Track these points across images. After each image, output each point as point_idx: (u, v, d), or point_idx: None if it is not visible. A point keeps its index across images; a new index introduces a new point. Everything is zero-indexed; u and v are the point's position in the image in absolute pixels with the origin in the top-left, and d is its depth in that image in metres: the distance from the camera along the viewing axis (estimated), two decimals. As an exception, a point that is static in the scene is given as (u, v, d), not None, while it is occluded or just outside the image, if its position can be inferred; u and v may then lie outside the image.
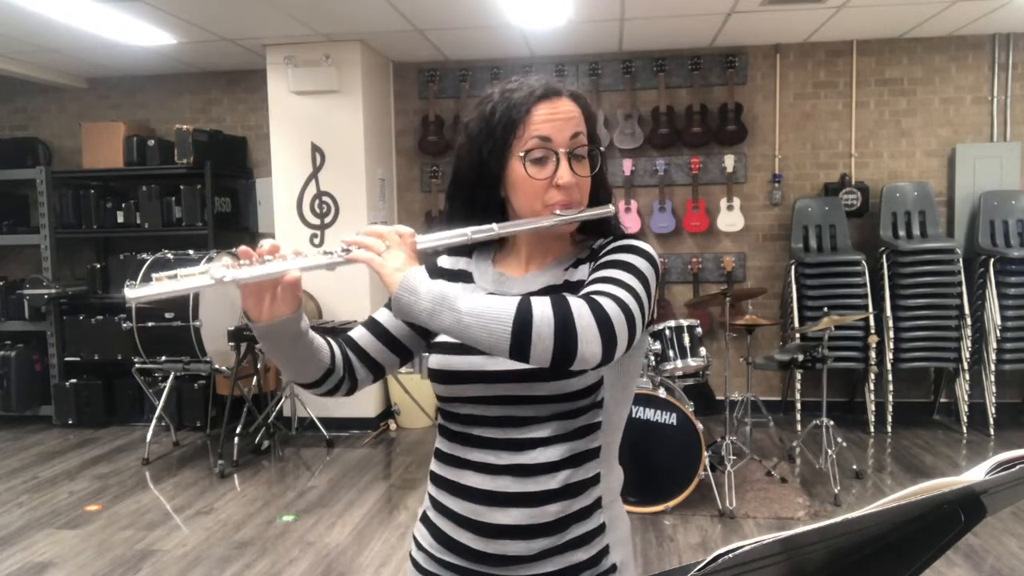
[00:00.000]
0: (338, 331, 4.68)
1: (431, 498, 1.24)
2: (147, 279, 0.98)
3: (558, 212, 1.15)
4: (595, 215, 1.18)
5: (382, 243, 1.08)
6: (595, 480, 1.17)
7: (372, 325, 1.28)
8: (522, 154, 1.14)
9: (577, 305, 1.01)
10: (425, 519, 1.26)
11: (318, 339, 1.21)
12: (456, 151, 1.22)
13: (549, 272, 1.23)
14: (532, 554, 1.14)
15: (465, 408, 1.18)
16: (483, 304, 1.01)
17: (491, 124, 1.16)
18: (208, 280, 1.04)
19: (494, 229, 1.14)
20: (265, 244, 1.10)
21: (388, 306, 1.28)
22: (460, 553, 1.18)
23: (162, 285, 1.04)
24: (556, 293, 1.17)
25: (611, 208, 1.19)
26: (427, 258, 1.32)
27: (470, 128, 1.20)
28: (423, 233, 1.13)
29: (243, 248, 1.09)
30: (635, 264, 1.12)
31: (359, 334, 1.28)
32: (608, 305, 1.02)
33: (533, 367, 1.10)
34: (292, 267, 1.08)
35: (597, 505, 1.17)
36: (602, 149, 1.20)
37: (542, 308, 1.00)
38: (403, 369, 5.30)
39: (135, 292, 1.04)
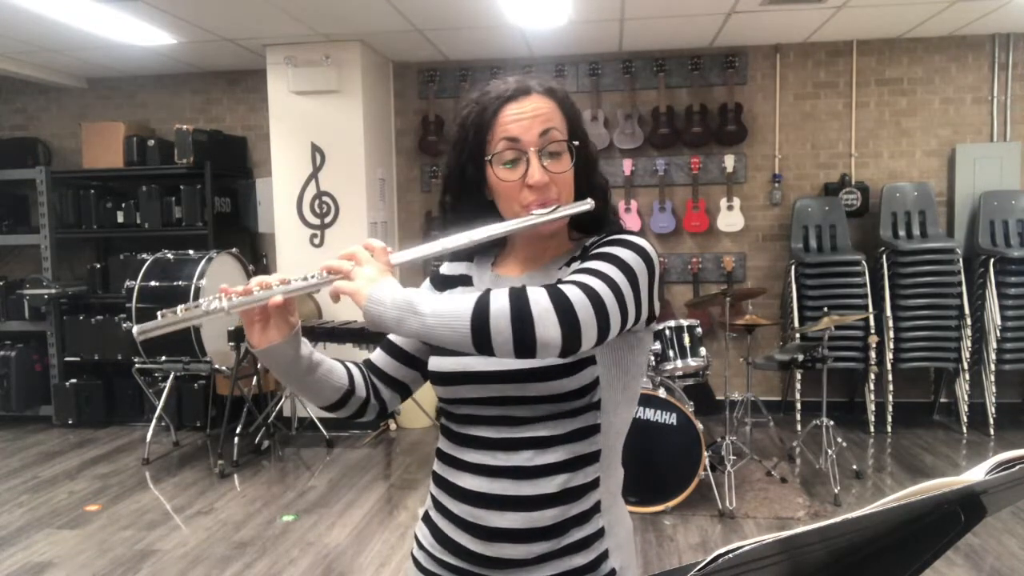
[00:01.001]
0: (337, 331, 4.69)
1: (432, 498, 1.25)
2: (152, 316, 1.14)
3: (535, 212, 1.14)
4: (571, 212, 1.16)
5: (350, 263, 1.09)
6: (594, 484, 1.17)
7: (388, 345, 1.31)
8: (489, 158, 1.15)
9: (535, 293, 1.01)
10: (427, 519, 1.27)
11: (329, 363, 1.23)
12: (446, 156, 1.24)
13: (544, 272, 1.23)
14: (530, 558, 1.14)
15: (463, 408, 1.19)
16: (444, 304, 1.03)
17: (465, 129, 1.18)
18: (201, 312, 1.12)
19: (470, 236, 1.14)
20: (253, 281, 1.13)
21: None
22: (459, 554, 1.19)
23: (165, 320, 1.13)
24: None
25: (589, 202, 1.16)
26: (430, 267, 1.33)
27: (451, 134, 1.22)
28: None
29: (223, 286, 1.14)
30: (620, 256, 1.10)
31: (377, 356, 1.31)
32: (571, 291, 1.02)
33: (524, 366, 1.11)
34: (276, 293, 1.12)
35: (596, 509, 1.17)
36: (575, 143, 1.17)
37: (498, 300, 1.01)
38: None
39: (141, 327, 1.13)
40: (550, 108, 1.16)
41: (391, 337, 1.31)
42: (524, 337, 0.99)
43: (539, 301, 1.00)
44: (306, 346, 1.20)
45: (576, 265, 1.17)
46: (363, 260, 1.09)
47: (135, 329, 1.13)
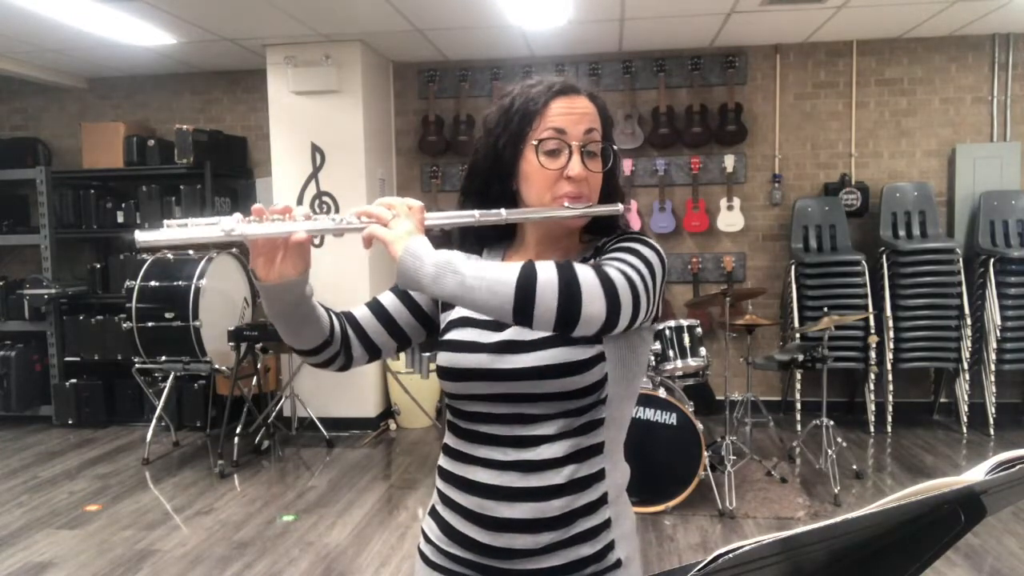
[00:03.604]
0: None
1: (439, 492, 1.26)
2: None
3: (567, 204, 1.17)
4: (603, 211, 1.19)
5: (389, 212, 1.09)
6: (600, 475, 1.19)
7: (375, 306, 1.30)
8: (535, 142, 1.16)
9: (582, 269, 1.03)
10: (434, 513, 1.28)
11: (320, 309, 1.22)
12: (474, 144, 1.24)
13: None
14: (538, 547, 1.16)
15: (473, 405, 1.20)
16: (487, 267, 1.03)
17: (508, 115, 1.19)
18: (218, 232, 1.06)
19: (502, 214, 1.15)
20: (278, 204, 1.11)
21: (393, 290, 1.31)
22: (467, 546, 1.20)
23: (173, 232, 1.05)
24: None
25: (619, 206, 1.20)
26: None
27: (488, 119, 1.22)
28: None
29: (256, 206, 1.10)
30: (641, 251, 1.14)
31: (361, 312, 1.30)
32: (613, 273, 1.05)
33: (539, 364, 1.13)
34: (300, 228, 1.09)
35: (603, 500, 1.19)
36: (615, 148, 1.22)
37: (546, 269, 1.02)
38: (403, 369, 5.35)
39: (145, 236, 1.05)
40: (593, 111, 1.20)
41: (380, 298, 1.30)
42: (570, 309, 1.00)
43: (587, 277, 1.02)
44: (310, 287, 1.18)
45: (593, 262, 1.19)
46: (401, 212, 1.09)
47: (138, 236, 1.05)
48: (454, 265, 1.02)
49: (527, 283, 1.00)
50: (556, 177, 1.17)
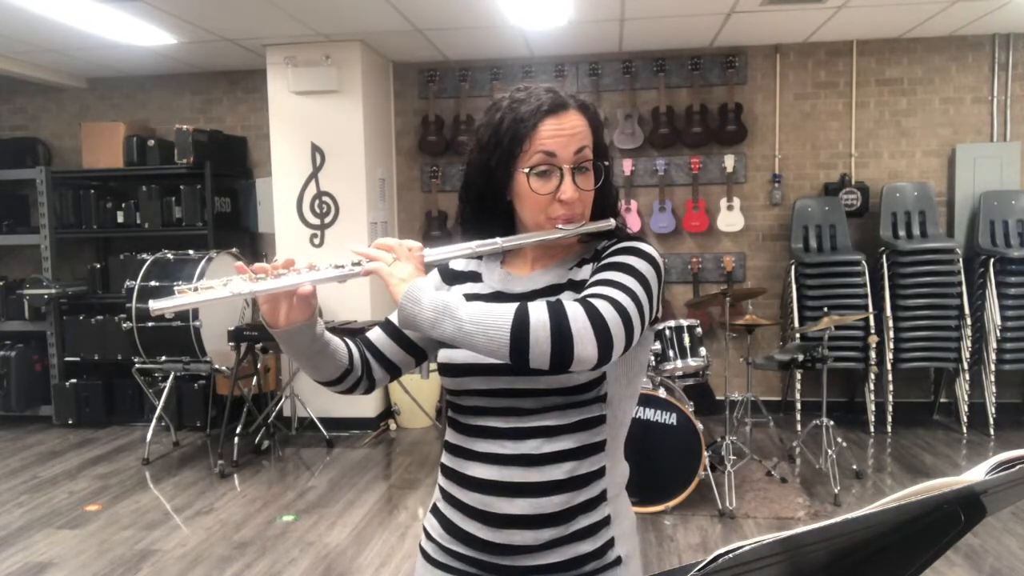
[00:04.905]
0: (339, 330, 4.70)
1: (441, 490, 1.28)
2: (170, 292, 1.07)
3: (560, 226, 1.19)
4: (595, 229, 1.21)
5: (390, 256, 1.14)
6: (600, 473, 1.20)
7: (388, 327, 1.34)
8: (527, 170, 1.17)
9: (573, 309, 1.05)
10: (435, 510, 1.29)
11: (335, 341, 1.28)
12: (467, 155, 1.26)
13: (554, 271, 1.26)
14: (538, 544, 1.17)
15: (471, 400, 1.22)
16: (483, 311, 1.06)
17: (499, 134, 1.19)
18: (227, 293, 1.12)
19: (498, 243, 1.19)
20: (279, 260, 1.16)
21: None
22: (468, 543, 1.21)
23: (185, 297, 1.11)
24: (558, 292, 1.21)
25: (611, 222, 1.22)
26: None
27: (479, 135, 1.23)
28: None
29: (258, 264, 1.16)
30: (634, 266, 1.15)
31: (376, 336, 1.34)
32: (603, 307, 1.05)
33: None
34: (305, 280, 1.15)
35: (602, 498, 1.20)
36: (606, 163, 1.22)
37: (538, 313, 1.04)
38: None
39: (159, 304, 1.11)
40: (584, 126, 1.20)
41: (392, 318, 1.33)
42: (563, 351, 1.03)
43: (577, 318, 1.04)
44: (320, 325, 1.24)
45: (588, 268, 1.22)
46: (401, 255, 1.14)
47: (152, 304, 1.11)
48: (451, 310, 1.06)
49: (520, 329, 1.03)
50: (548, 200, 1.18)
